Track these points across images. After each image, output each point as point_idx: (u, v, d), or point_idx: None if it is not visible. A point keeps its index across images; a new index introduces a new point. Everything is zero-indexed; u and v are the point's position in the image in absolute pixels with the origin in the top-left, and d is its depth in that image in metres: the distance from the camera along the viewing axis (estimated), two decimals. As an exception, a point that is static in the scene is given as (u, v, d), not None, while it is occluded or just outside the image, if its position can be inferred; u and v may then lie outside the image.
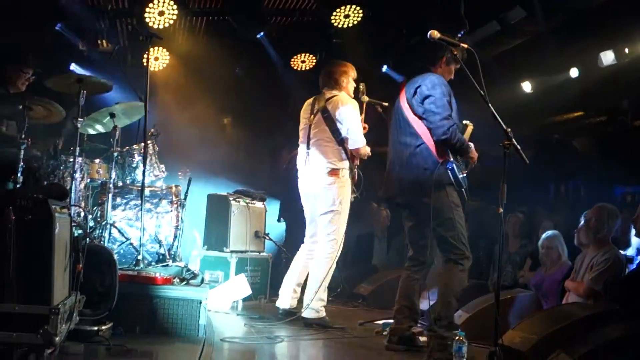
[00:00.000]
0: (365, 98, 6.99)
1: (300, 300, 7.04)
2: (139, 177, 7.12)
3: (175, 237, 7.30)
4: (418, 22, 9.38)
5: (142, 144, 6.89)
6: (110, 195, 6.88)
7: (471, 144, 5.59)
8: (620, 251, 6.84)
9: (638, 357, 4.40)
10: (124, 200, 7.13)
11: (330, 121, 6.77)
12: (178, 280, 5.98)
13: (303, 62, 11.72)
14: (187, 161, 9.62)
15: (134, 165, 7.29)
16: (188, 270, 6.52)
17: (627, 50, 8.98)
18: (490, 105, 4.91)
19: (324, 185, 6.76)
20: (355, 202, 7.09)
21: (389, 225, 11.46)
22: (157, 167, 7.48)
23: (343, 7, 10.09)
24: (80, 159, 6.64)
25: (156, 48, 10.80)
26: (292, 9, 10.57)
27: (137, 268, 6.15)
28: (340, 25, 10.36)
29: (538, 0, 8.43)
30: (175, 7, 9.52)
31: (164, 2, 9.44)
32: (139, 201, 6.71)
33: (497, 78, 9.49)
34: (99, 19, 10.22)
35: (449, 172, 5.36)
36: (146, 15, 9.53)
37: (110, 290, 4.99)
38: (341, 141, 6.75)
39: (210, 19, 10.78)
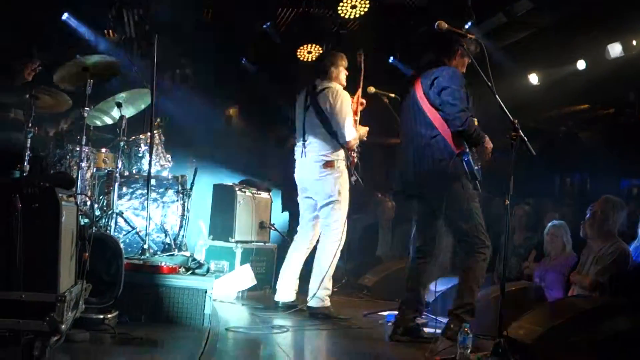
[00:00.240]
0: (372, 89, 6.98)
1: (299, 292, 7.08)
2: (145, 166, 7.14)
3: (181, 226, 7.32)
4: (425, 13, 9.37)
5: (149, 134, 6.90)
6: (117, 184, 6.90)
7: (486, 135, 5.57)
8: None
9: (643, 350, 4.40)
10: (130, 190, 7.14)
11: (321, 114, 6.78)
12: (184, 270, 5.99)
13: (309, 52, 11.70)
14: (193, 151, 9.62)
15: (140, 155, 7.30)
16: (194, 259, 6.53)
17: (634, 43, 8.95)
18: (497, 96, 4.91)
19: (320, 177, 6.79)
20: (360, 193, 7.09)
21: (393, 216, 11.45)
22: (163, 156, 7.49)
23: (350, -2, 10.07)
24: (86, 148, 6.65)
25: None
26: (299, -1, 10.55)
27: (142, 257, 6.16)
28: (346, 16, 10.34)
29: (545, -9, 8.42)
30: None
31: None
32: (145, 190, 6.71)
33: (503, 70, 9.47)
34: (106, 9, 10.22)
35: (465, 164, 5.35)
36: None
37: (116, 279, 4.99)
38: (334, 133, 6.76)
39: (217, 8, 10.75)
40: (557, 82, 10.32)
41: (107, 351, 4.52)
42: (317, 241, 6.97)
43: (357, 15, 10.31)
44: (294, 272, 7.01)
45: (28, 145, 5.91)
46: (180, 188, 7.37)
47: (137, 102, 7.18)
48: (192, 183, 7.50)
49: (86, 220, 5.83)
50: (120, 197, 7.00)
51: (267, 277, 8.20)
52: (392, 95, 7.00)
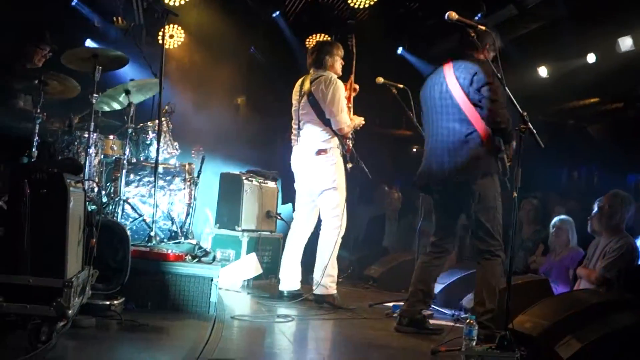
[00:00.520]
0: (380, 79, 6.98)
1: (304, 282, 7.10)
2: (153, 154, 7.14)
3: (187, 214, 7.34)
4: (435, 4, 9.33)
5: (157, 121, 6.90)
6: (124, 171, 6.91)
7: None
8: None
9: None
10: (138, 177, 7.16)
11: (314, 103, 6.82)
12: (190, 258, 6.01)
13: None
14: (200, 139, 9.62)
15: (147, 142, 7.31)
16: (200, 248, 6.55)
17: (646, 36, 8.90)
18: (507, 88, 4.89)
19: (314, 166, 6.86)
20: (366, 184, 7.09)
21: (400, 207, 11.46)
22: (171, 144, 7.49)
23: (359, -12, 10.05)
24: (94, 134, 6.65)
25: (171, 25, 10.81)
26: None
27: (149, 244, 6.17)
28: (355, 6, 10.31)
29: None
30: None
31: (180, -20, 9.43)
32: (152, 178, 6.72)
33: (513, 62, 9.44)
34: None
35: (499, 161, 5.33)
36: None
37: (123, 266, 5.01)
38: (328, 121, 6.79)
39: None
40: (567, 75, 10.27)
41: (113, 337, 4.54)
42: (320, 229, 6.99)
43: (366, 5, 10.28)
44: (296, 259, 7.04)
45: (36, 131, 5.90)
46: (187, 176, 7.39)
47: (145, 90, 7.17)
48: (199, 171, 7.51)
49: (93, 206, 5.82)
50: (127, 184, 7.02)
51: (273, 266, 8.20)
52: (401, 86, 7.00)
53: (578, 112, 11.95)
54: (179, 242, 6.67)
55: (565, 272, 7.58)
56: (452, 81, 5.53)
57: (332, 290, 6.80)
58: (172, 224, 7.13)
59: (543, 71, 10.53)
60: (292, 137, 7.09)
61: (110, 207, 6.78)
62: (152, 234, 6.33)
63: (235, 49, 11.13)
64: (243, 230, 8.02)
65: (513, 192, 4.69)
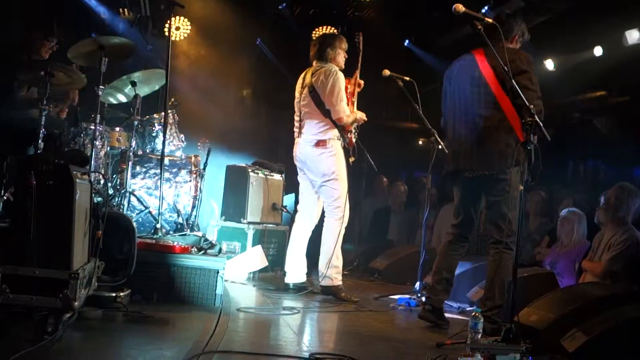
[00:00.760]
0: (387, 72, 6.99)
1: (310, 274, 7.12)
2: (159, 146, 7.13)
3: (193, 206, 7.35)
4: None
5: (163, 113, 6.90)
6: (130, 163, 6.92)
7: None
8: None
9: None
10: (144, 169, 7.17)
11: (314, 94, 6.83)
12: (196, 250, 6.00)
13: (324, 34, 11.65)
14: (206, 132, 9.62)
15: (154, 134, 7.31)
16: (206, 240, 6.56)
17: (653, 29, 8.87)
18: (513, 81, 4.87)
19: (314, 156, 6.88)
20: (371, 177, 7.09)
21: (405, 200, 11.45)
22: (177, 136, 7.50)
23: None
24: (100, 126, 6.66)
25: (178, 17, 10.80)
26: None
27: (155, 236, 6.18)
28: (362, -1, 10.31)
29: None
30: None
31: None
32: (159, 170, 6.72)
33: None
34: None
35: (527, 152, 5.29)
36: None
37: (129, 258, 5.02)
38: (327, 112, 6.79)
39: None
40: (573, 69, 10.24)
41: (119, 329, 4.55)
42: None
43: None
44: (301, 251, 7.05)
45: (42, 122, 5.91)
46: (193, 168, 7.39)
47: (151, 81, 7.18)
48: (205, 163, 7.52)
49: (99, 198, 5.83)
50: (133, 176, 7.03)
51: (279, 258, 8.21)
52: (407, 78, 6.99)
53: (584, 105, 11.91)
54: (184, 234, 6.68)
55: (571, 265, 7.57)
56: (486, 69, 5.46)
57: (337, 281, 6.81)
58: (178, 216, 7.14)
59: (550, 64, 10.49)
60: (294, 129, 7.11)
61: (117, 199, 6.79)
62: (158, 226, 6.34)
63: (241, 41, 11.12)
64: (249, 223, 8.02)
65: (519, 185, 4.68)
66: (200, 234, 6.82)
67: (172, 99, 7.47)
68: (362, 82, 7.09)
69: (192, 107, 9.33)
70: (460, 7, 4.96)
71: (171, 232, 6.80)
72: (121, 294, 4.90)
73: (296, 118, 7.09)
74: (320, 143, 6.81)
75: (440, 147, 7.05)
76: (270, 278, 7.78)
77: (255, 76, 12.16)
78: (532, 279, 6.42)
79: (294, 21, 11.60)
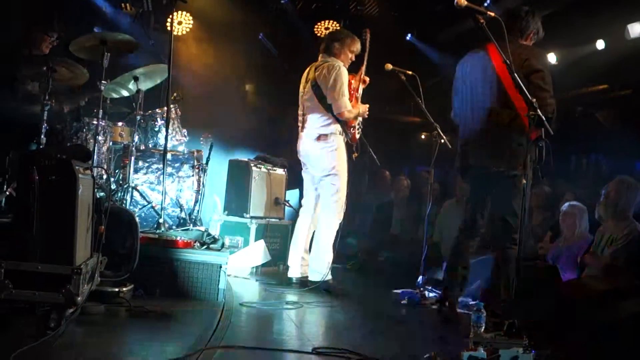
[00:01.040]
0: (389, 66, 6.98)
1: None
2: (161, 141, 7.14)
3: (196, 201, 7.35)
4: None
5: (165, 108, 6.90)
6: (133, 158, 6.92)
7: None
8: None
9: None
10: (146, 164, 7.16)
11: (317, 88, 6.83)
12: (199, 245, 6.01)
13: (327, 29, 11.68)
14: (208, 126, 9.63)
15: (156, 129, 7.30)
16: (208, 234, 6.56)
17: (655, 23, 8.84)
18: (516, 75, 4.86)
19: (315, 151, 6.89)
20: (373, 172, 7.09)
21: (408, 194, 11.45)
22: (180, 131, 7.49)
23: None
24: (103, 121, 6.66)
25: (180, 12, 10.79)
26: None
27: (158, 231, 6.18)
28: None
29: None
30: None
31: (188, -34, 9.38)
32: (161, 165, 6.72)
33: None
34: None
35: (539, 150, 5.27)
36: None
37: (132, 253, 5.03)
38: (329, 107, 6.79)
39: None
40: (576, 62, 10.22)
41: (122, 324, 4.56)
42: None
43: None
44: (304, 247, 7.06)
45: (45, 118, 5.91)
46: (195, 163, 7.39)
47: (154, 76, 7.17)
48: (208, 158, 7.52)
49: (102, 193, 5.83)
50: (136, 171, 7.03)
51: (281, 253, 8.21)
52: (409, 72, 6.98)
53: (587, 99, 11.89)
54: (187, 229, 6.69)
55: (573, 259, 7.55)
56: (500, 65, 5.38)
57: (328, 276, 6.81)
58: (181, 210, 7.14)
59: (552, 58, 10.47)
60: (298, 123, 7.11)
61: (119, 194, 6.80)
62: (161, 220, 6.34)
63: (243, 35, 11.12)
64: (251, 217, 8.02)
65: (522, 179, 4.68)
66: (202, 228, 6.83)
67: (175, 94, 7.47)
68: (367, 78, 7.09)
69: (195, 102, 9.32)
70: (462, 1, 4.93)
71: (174, 227, 6.81)
72: (124, 289, 4.92)
73: (300, 112, 7.09)
74: (321, 137, 6.80)
75: (442, 141, 7.06)
76: (273, 272, 7.79)
77: (258, 71, 12.16)
78: (535, 273, 6.42)
79: (296, 16, 11.58)
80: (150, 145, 7.30)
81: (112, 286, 4.85)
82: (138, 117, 7.04)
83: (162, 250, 5.59)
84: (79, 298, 3.73)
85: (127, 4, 10.50)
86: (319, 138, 6.81)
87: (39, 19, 7.30)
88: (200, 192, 7.40)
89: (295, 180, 8.30)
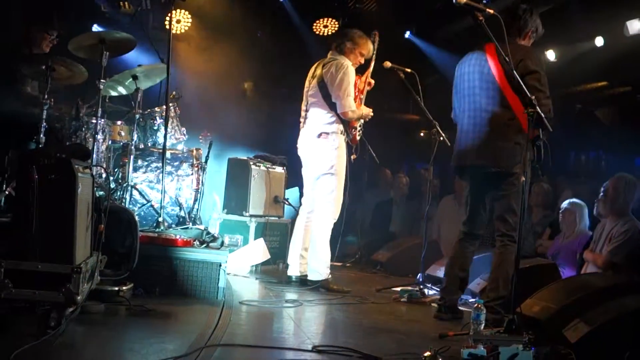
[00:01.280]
0: (388, 64, 6.98)
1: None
2: (161, 139, 7.14)
3: (195, 200, 7.35)
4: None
5: (164, 107, 6.89)
6: (132, 157, 6.92)
7: None
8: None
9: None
10: (145, 163, 7.16)
11: (322, 86, 6.82)
12: (198, 243, 6.01)
13: (325, 26, 11.68)
14: (207, 125, 9.62)
15: (155, 128, 7.30)
16: (208, 233, 6.57)
17: (654, 19, 8.83)
18: (515, 72, 4.86)
19: (315, 149, 6.88)
20: (372, 170, 7.09)
21: (407, 193, 11.46)
22: (179, 130, 7.49)
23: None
24: (102, 120, 6.66)
25: (178, 10, 10.78)
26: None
27: (157, 230, 6.18)
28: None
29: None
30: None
31: (186, -35, 9.38)
32: (160, 164, 6.72)
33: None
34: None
35: (536, 150, 5.27)
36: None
37: (131, 252, 5.02)
38: (333, 105, 6.78)
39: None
40: (575, 59, 10.21)
41: (122, 323, 4.55)
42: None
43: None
44: (303, 245, 7.05)
45: (44, 117, 5.91)
46: (195, 161, 7.40)
47: (153, 75, 7.17)
48: (207, 157, 7.52)
49: (101, 192, 5.83)
50: (135, 169, 7.03)
51: (281, 251, 8.23)
52: (408, 70, 6.99)
53: (586, 96, 11.88)
54: (187, 228, 6.69)
55: (573, 256, 7.57)
56: (496, 65, 5.44)
57: (325, 275, 6.81)
58: (180, 209, 7.14)
59: (551, 55, 10.46)
60: (300, 119, 7.10)
61: (119, 193, 6.80)
62: (160, 219, 6.34)
63: (242, 33, 11.10)
64: (251, 216, 8.03)
65: (522, 176, 4.68)
66: (202, 227, 6.83)
67: (174, 92, 7.46)
68: (372, 81, 7.06)
69: (194, 100, 9.32)
70: (461, -2, 4.93)
71: (173, 226, 6.81)
72: (124, 287, 4.91)
73: (303, 108, 7.07)
74: (322, 135, 6.79)
75: (441, 138, 7.06)
76: (273, 271, 7.79)
77: (257, 69, 12.12)
78: (534, 270, 6.43)
79: (295, 13, 11.57)
80: (149, 144, 7.30)
81: (112, 285, 4.84)
82: (137, 116, 7.03)
83: (162, 249, 5.58)
84: (78, 297, 3.73)
85: (126, 3, 10.48)
86: (320, 135, 6.80)
87: (38, 18, 7.29)
88: (200, 190, 7.40)
89: (294, 178, 8.30)
